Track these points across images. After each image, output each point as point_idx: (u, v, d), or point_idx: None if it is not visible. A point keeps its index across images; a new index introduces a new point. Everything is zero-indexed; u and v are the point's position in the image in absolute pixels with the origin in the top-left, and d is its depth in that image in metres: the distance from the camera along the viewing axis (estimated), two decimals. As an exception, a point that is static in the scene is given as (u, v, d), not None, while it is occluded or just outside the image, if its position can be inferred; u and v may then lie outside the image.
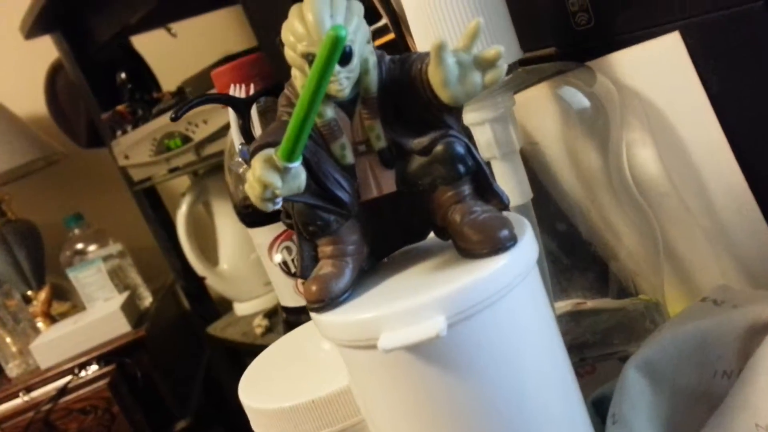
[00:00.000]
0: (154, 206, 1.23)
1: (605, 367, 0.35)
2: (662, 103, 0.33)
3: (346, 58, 0.25)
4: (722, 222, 0.34)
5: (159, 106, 1.05)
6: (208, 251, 1.22)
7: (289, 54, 0.25)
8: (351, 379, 0.28)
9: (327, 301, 0.26)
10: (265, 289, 1.20)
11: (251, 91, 0.46)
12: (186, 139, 1.02)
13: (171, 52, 1.23)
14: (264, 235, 0.55)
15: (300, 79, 0.26)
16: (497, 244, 0.25)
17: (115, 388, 1.12)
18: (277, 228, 0.54)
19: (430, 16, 0.32)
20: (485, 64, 0.24)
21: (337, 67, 0.24)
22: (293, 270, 0.55)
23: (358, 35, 0.25)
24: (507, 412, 0.25)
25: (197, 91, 1.01)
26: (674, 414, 0.30)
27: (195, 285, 1.26)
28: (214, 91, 0.88)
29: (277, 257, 0.55)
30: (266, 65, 0.55)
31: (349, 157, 0.26)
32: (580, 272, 0.38)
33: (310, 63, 0.25)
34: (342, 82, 0.25)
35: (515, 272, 0.25)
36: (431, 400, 0.25)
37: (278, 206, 0.25)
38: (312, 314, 0.27)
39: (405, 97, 0.26)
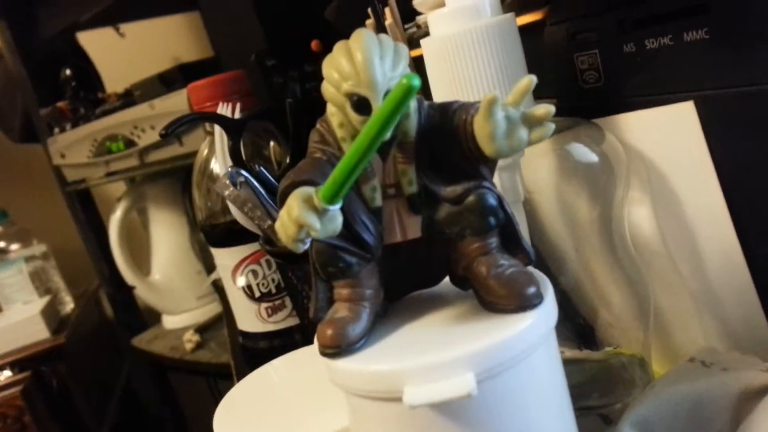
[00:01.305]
0: (86, 209, 1.17)
1: (586, 423, 0.35)
2: (666, 167, 0.34)
3: (392, 101, 0.24)
4: (711, 285, 0.35)
5: (103, 106, 1.00)
6: (140, 260, 1.17)
7: (330, 90, 0.24)
8: (355, 427, 0.27)
9: (343, 347, 0.25)
10: (197, 303, 1.16)
11: (237, 111, 0.44)
12: (130, 144, 0.97)
13: (118, 53, 1.18)
14: (229, 256, 0.53)
15: (337, 117, 0.25)
16: (524, 301, 0.25)
17: (29, 396, 1.05)
18: (244, 250, 0.52)
19: (452, 61, 0.32)
20: (533, 122, 0.24)
21: (382, 110, 0.24)
22: (257, 294, 0.53)
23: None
24: (521, 472, 0.25)
25: (146, 96, 0.97)
26: (665, 474, 0.30)
27: (122, 294, 1.21)
28: (173, 97, 0.85)
29: (241, 280, 0.53)
30: (246, 84, 0.53)
31: (378, 200, 0.26)
32: (560, 322, 0.39)
33: (354, 103, 0.24)
34: (385, 124, 0.24)
35: (541, 332, 0.25)
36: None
37: (307, 247, 0.23)
38: (325, 360, 0.26)
39: (443, 145, 0.25)
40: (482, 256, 0.26)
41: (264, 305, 0.53)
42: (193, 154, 0.91)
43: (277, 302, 0.53)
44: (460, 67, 0.32)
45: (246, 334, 0.56)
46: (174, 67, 0.91)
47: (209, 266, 1.19)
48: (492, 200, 0.25)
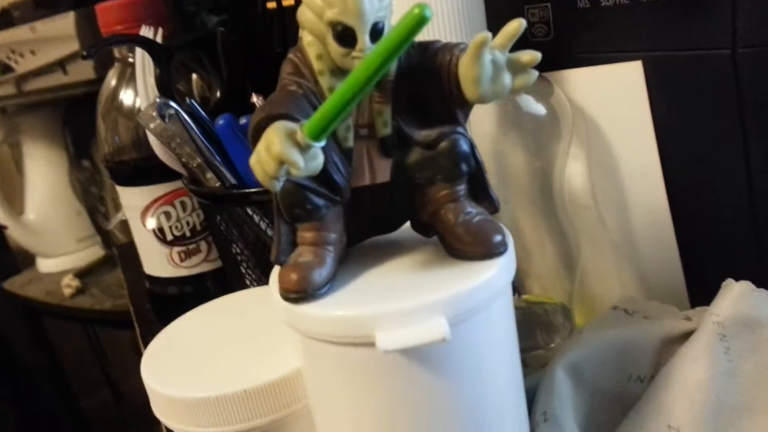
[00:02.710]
0: (-51, 139, 1.05)
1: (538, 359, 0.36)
2: (606, 124, 0.35)
3: (377, 34, 0.23)
4: (635, 239, 0.37)
5: (-26, 24, 0.89)
6: (12, 198, 1.07)
7: (308, 17, 0.23)
8: (311, 373, 0.27)
9: (309, 292, 0.24)
10: (77, 245, 1.09)
11: (159, 36, 0.41)
12: (6, 69, 0.88)
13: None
14: (138, 196, 0.50)
15: (315, 47, 0.23)
16: (491, 249, 0.25)
17: None
18: (156, 190, 0.49)
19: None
20: (518, 67, 0.23)
21: (367, 44, 0.22)
22: (169, 237, 0.50)
23: (389, 11, 0.23)
24: (480, 411, 0.25)
25: (26, 17, 0.87)
26: (591, 413, 0.32)
27: (-10, 234, 1.10)
28: (58, 20, 0.77)
29: (152, 222, 0.50)
30: (164, 8, 0.49)
31: (351, 141, 0.24)
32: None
33: (338, 33, 0.22)
34: (368, 60, 0.23)
35: (505, 279, 0.25)
36: (412, 399, 0.24)
37: (281, 185, 0.22)
38: (286, 304, 0.25)
39: (422, 86, 0.24)
40: (450, 203, 0.25)
41: (176, 249, 0.50)
42: (78, 84, 0.84)
43: (192, 246, 0.50)
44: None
45: (154, 279, 0.53)
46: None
47: (90, 207, 1.11)
48: (465, 146, 0.25)
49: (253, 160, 0.21)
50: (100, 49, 0.34)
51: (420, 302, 0.23)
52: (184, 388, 0.29)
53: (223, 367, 0.30)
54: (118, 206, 0.96)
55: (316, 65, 0.23)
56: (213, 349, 0.32)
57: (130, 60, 0.47)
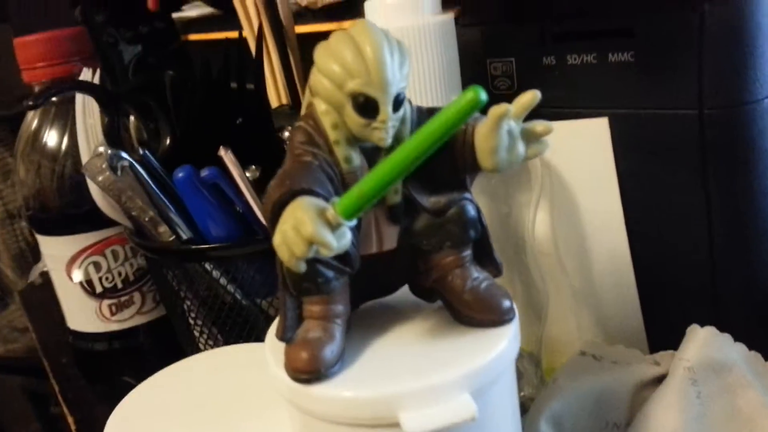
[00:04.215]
0: None
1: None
2: (571, 175, 0.36)
3: (399, 104, 0.22)
4: (594, 284, 0.38)
5: None
6: None
7: (326, 87, 0.21)
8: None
9: (322, 372, 0.23)
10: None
11: (96, 76, 0.37)
12: None
13: None
14: (63, 246, 0.45)
15: (331, 116, 0.22)
16: (501, 315, 0.25)
17: None
18: (84, 239, 0.45)
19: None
20: (531, 137, 0.23)
21: (390, 114, 0.21)
22: (99, 289, 0.46)
23: (408, 80, 0.22)
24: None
25: None
26: (572, 463, 0.33)
27: None
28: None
29: (78, 274, 0.46)
30: (89, 44, 0.45)
31: (362, 209, 0.23)
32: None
33: (359, 104, 0.21)
34: (389, 130, 0.22)
35: (517, 346, 0.25)
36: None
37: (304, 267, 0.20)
38: (295, 385, 0.23)
39: (434, 154, 0.24)
40: (457, 269, 0.25)
41: (107, 302, 0.46)
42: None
43: (124, 299, 0.47)
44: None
45: (78, 334, 0.48)
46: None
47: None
48: (473, 212, 0.24)
49: (278, 241, 0.20)
50: (49, 98, 0.31)
51: (443, 379, 0.22)
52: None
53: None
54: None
55: (332, 135, 0.22)
56: (186, 419, 0.30)
57: (54, 99, 0.43)
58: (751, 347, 0.33)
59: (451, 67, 0.32)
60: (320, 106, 0.22)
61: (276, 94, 0.46)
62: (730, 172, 0.32)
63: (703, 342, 0.33)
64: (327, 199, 0.21)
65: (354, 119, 0.22)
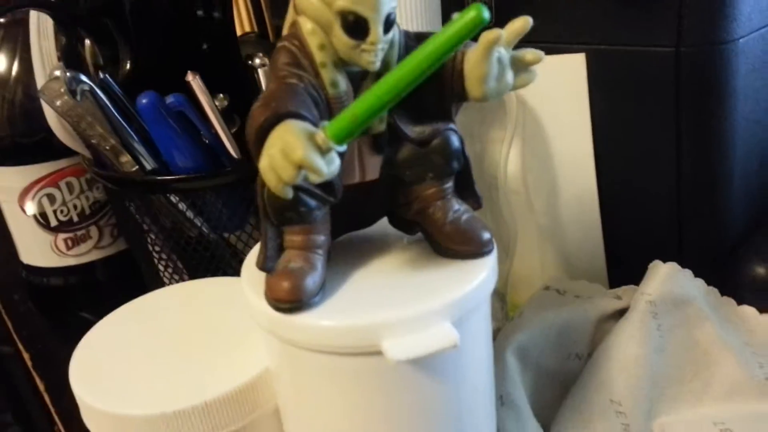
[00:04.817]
0: None
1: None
2: (544, 113, 0.36)
3: (389, 25, 0.21)
4: (561, 222, 0.39)
5: None
6: None
7: (312, 3, 0.20)
8: (292, 380, 0.25)
9: (304, 301, 0.22)
10: None
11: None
12: None
13: None
14: (15, 177, 0.43)
15: (317, 36, 0.21)
16: (481, 247, 0.25)
17: None
18: (37, 170, 0.43)
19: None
20: (520, 65, 0.23)
21: (380, 36, 0.21)
22: (53, 223, 0.44)
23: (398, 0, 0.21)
24: (467, 403, 0.25)
25: None
26: (535, 392, 0.34)
27: None
28: None
29: (32, 207, 0.44)
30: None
31: (346, 137, 0.23)
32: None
33: (348, 24, 0.20)
34: (378, 53, 0.21)
35: (495, 277, 0.25)
36: (411, 402, 0.24)
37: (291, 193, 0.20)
38: (275, 314, 0.23)
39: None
40: (438, 200, 0.25)
41: (62, 236, 0.45)
42: None
43: (80, 233, 0.45)
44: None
45: (33, 269, 0.47)
46: None
47: None
48: (457, 143, 0.24)
49: (265, 165, 0.19)
50: (4, 14, 0.29)
51: (426, 308, 0.22)
52: (131, 403, 0.26)
53: (174, 375, 0.27)
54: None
55: (318, 56, 0.21)
56: (155, 353, 0.29)
57: (1, 21, 0.41)
58: (709, 283, 0.35)
59: (431, -4, 0.31)
60: (306, 25, 0.21)
61: (239, 22, 0.44)
62: (702, 111, 0.32)
63: (665, 277, 0.34)
64: (314, 124, 0.20)
65: (342, 40, 0.21)
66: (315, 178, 0.19)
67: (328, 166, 0.19)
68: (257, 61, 0.33)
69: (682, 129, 0.32)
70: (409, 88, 0.19)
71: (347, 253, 0.26)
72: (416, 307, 0.22)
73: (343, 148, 0.19)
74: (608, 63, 0.33)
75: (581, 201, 0.37)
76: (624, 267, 0.39)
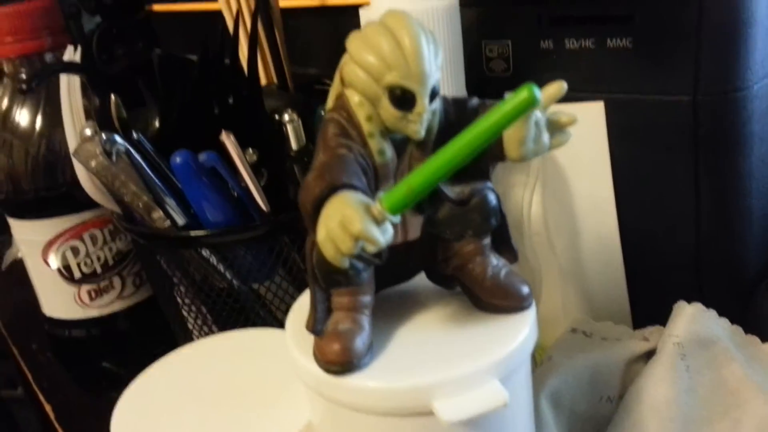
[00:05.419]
0: None
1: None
2: (565, 157, 0.37)
3: (434, 95, 0.22)
4: (582, 263, 0.39)
5: None
6: None
7: (360, 77, 0.21)
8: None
9: (354, 363, 0.23)
10: None
11: (77, 54, 0.36)
12: None
13: None
14: (38, 230, 0.44)
15: (365, 108, 0.22)
16: (521, 302, 0.25)
17: None
18: (61, 223, 0.44)
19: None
20: (556, 127, 0.24)
21: (426, 107, 0.21)
22: (77, 275, 0.45)
23: (440, 71, 0.22)
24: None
25: None
26: (568, 436, 0.34)
27: None
28: None
29: (55, 261, 0.44)
30: (59, 17, 0.43)
31: (391, 200, 0.23)
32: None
33: (396, 97, 0.21)
34: (423, 123, 0.22)
35: (537, 331, 0.25)
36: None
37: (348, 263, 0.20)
38: (327, 376, 0.23)
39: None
40: (478, 256, 0.25)
41: (86, 288, 0.45)
42: None
43: (103, 284, 0.45)
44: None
45: (55, 322, 0.47)
46: None
47: None
48: (495, 201, 0.25)
49: (323, 236, 0.20)
50: (44, 81, 0.29)
51: (474, 367, 0.23)
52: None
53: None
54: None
55: (366, 127, 0.22)
56: (197, 409, 0.29)
57: (23, 76, 0.41)
58: (733, 322, 0.35)
59: (456, 51, 0.32)
60: (354, 98, 0.22)
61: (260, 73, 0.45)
62: (719, 156, 0.33)
63: (691, 318, 0.34)
64: (366, 192, 0.21)
65: (390, 112, 0.21)
66: (372, 249, 0.20)
67: (384, 236, 0.20)
68: (286, 117, 0.34)
69: (701, 172, 0.33)
70: (463, 164, 0.19)
71: (388, 308, 0.26)
72: (465, 367, 0.23)
73: (397, 218, 0.20)
74: (627, 111, 0.34)
75: (603, 243, 0.38)
76: (647, 307, 0.39)
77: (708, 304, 0.35)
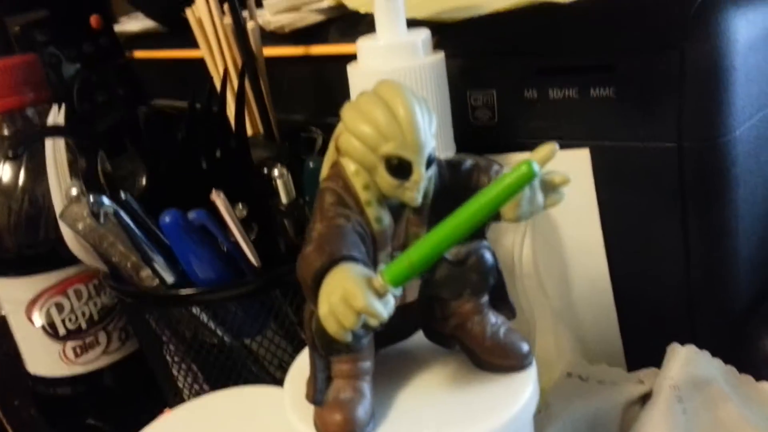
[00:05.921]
0: None
1: None
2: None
3: (430, 163, 0.22)
4: (574, 306, 0.39)
5: None
6: None
7: (356, 147, 0.21)
8: None
9: (357, 433, 0.22)
10: None
11: (60, 114, 0.35)
12: None
13: None
14: (21, 288, 0.43)
15: (362, 177, 0.22)
16: (521, 361, 0.25)
17: None
18: (44, 279, 0.43)
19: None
20: (550, 187, 0.24)
21: (423, 175, 0.21)
22: (62, 332, 0.44)
23: (435, 138, 0.22)
24: None
25: None
26: (569, 485, 0.34)
27: None
28: None
29: (39, 318, 0.43)
30: (40, 71, 0.43)
31: (388, 265, 0.23)
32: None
33: (393, 167, 0.21)
34: (420, 190, 0.22)
35: (538, 390, 0.25)
36: None
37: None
38: (330, 448, 0.23)
39: (453, 205, 0.24)
40: (476, 315, 0.25)
41: (71, 344, 0.44)
42: None
43: (89, 339, 0.44)
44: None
45: (39, 380, 0.46)
46: None
47: None
48: (492, 260, 0.25)
49: (325, 312, 0.19)
50: (31, 145, 0.29)
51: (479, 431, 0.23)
52: None
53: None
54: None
55: (364, 196, 0.22)
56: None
57: (6, 133, 0.41)
58: (726, 361, 0.36)
59: (443, 105, 0.33)
60: (349, 167, 0.22)
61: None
62: (705, 199, 0.34)
63: (685, 360, 0.34)
64: (364, 263, 0.21)
65: (386, 180, 0.21)
66: (374, 323, 0.19)
67: (386, 309, 0.20)
68: (275, 172, 0.34)
69: (688, 215, 0.34)
70: (463, 238, 0.19)
71: (388, 368, 0.26)
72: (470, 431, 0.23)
73: (399, 291, 0.20)
74: (613, 157, 0.34)
75: (594, 286, 0.38)
76: (640, 347, 0.39)
77: (700, 345, 0.35)
